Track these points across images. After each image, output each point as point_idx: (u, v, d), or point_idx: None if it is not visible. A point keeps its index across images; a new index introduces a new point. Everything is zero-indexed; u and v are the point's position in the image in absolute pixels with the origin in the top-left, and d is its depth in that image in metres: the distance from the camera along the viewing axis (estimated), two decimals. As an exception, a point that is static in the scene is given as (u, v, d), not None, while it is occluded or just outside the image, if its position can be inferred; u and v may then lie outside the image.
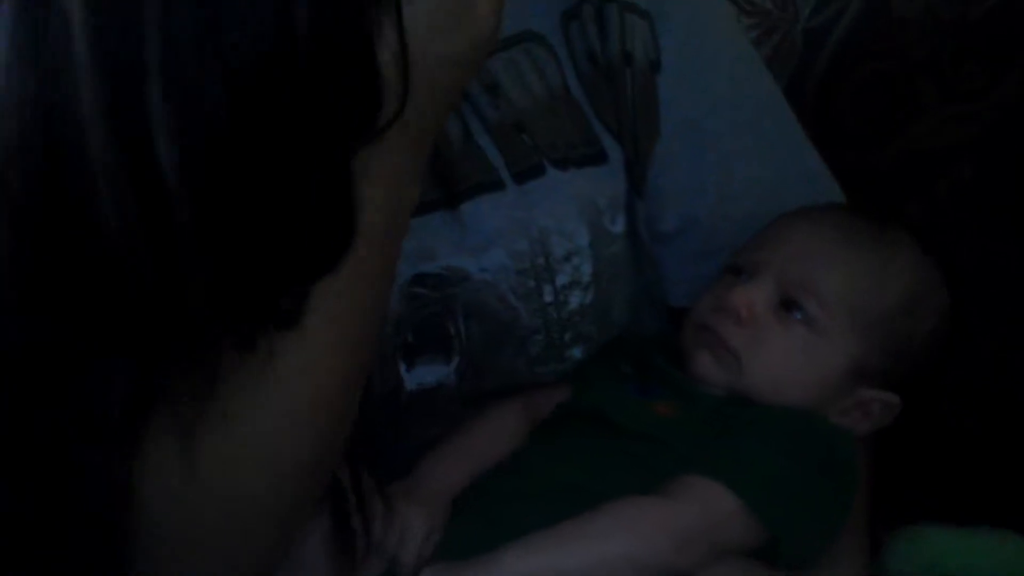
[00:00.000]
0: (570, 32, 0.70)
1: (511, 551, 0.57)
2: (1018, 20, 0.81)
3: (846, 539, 0.66)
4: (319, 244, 0.42)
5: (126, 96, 0.36)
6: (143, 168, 0.37)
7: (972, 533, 0.86)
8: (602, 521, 0.57)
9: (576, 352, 0.73)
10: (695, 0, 0.73)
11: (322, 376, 0.49)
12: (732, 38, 0.75)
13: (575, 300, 0.71)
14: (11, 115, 0.36)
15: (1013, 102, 0.83)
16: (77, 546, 0.47)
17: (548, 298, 0.70)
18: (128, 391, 0.43)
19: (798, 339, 0.65)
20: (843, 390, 0.66)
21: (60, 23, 0.36)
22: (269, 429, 0.48)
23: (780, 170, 0.77)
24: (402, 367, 0.66)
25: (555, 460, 0.64)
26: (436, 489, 0.65)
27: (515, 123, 0.69)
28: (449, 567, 0.58)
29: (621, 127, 0.71)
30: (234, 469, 0.48)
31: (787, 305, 0.66)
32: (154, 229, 0.37)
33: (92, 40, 0.36)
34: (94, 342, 0.41)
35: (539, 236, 0.68)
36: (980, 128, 0.84)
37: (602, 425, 0.65)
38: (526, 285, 0.68)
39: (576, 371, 0.72)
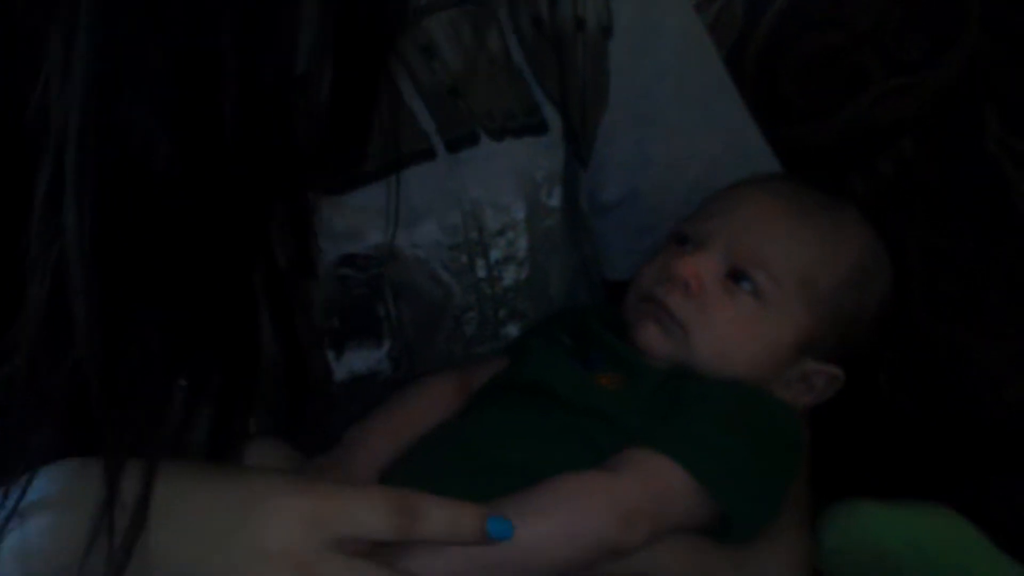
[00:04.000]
0: None
1: None
2: (963, -9, 0.80)
3: (786, 514, 0.64)
4: None
5: None
6: None
7: (907, 508, 0.86)
8: (542, 497, 0.54)
9: (511, 329, 0.70)
10: None
11: None
12: (680, 6, 0.72)
13: (510, 276, 0.68)
14: None
15: (957, 74, 0.81)
16: None
17: (481, 273, 0.67)
18: None
19: (746, 311, 0.63)
20: (789, 363, 0.65)
21: None
22: None
23: (723, 145, 0.75)
24: (330, 355, 0.63)
25: (493, 434, 0.61)
26: (362, 462, 0.61)
27: (450, 87, 0.65)
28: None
29: (565, 96, 0.68)
30: None
31: (735, 276, 0.64)
32: None
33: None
34: None
35: (472, 209, 0.65)
36: (923, 101, 0.83)
37: (543, 397, 0.62)
38: (459, 261, 0.65)
39: (513, 344, 0.69)
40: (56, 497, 0.49)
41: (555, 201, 0.70)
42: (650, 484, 0.56)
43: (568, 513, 0.54)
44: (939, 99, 0.82)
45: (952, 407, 0.88)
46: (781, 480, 0.62)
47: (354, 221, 0.62)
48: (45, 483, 0.49)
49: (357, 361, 0.64)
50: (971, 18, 0.80)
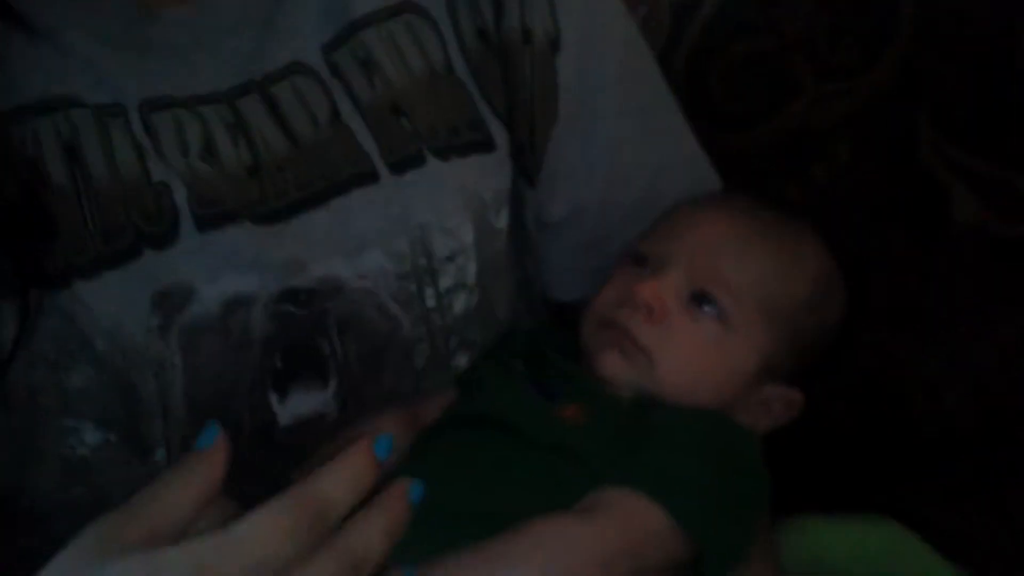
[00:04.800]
0: (456, 4, 0.62)
1: None
2: (893, -4, 0.79)
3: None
4: None
5: None
6: None
7: (852, 522, 0.85)
8: (515, 546, 0.50)
9: (461, 360, 0.66)
10: None
11: None
12: (621, 14, 0.69)
13: (460, 304, 0.64)
14: None
15: (888, 79, 0.81)
16: None
17: (431, 303, 0.62)
18: None
19: (710, 335, 0.60)
20: (750, 387, 0.62)
21: None
22: None
23: (664, 156, 0.73)
24: (273, 399, 0.57)
25: (453, 477, 0.57)
26: None
27: (392, 105, 0.60)
28: None
29: (512, 110, 0.64)
30: None
31: (698, 299, 0.61)
32: None
33: None
34: None
35: (420, 234, 0.61)
36: (856, 107, 0.82)
37: (502, 433, 0.58)
38: (407, 290, 0.61)
39: (463, 374, 0.65)
40: None
41: (503, 222, 0.66)
42: (627, 527, 0.52)
43: (544, 563, 0.51)
44: (872, 104, 0.81)
45: (890, 414, 0.88)
46: (753, 509, 0.60)
47: (294, 252, 0.57)
48: None
49: (302, 404, 0.58)
50: (903, 22, 0.79)
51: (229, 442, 0.43)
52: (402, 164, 0.60)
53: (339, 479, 0.42)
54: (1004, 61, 0.76)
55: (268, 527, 0.40)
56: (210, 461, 0.42)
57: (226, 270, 0.55)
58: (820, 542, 0.83)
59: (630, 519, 0.53)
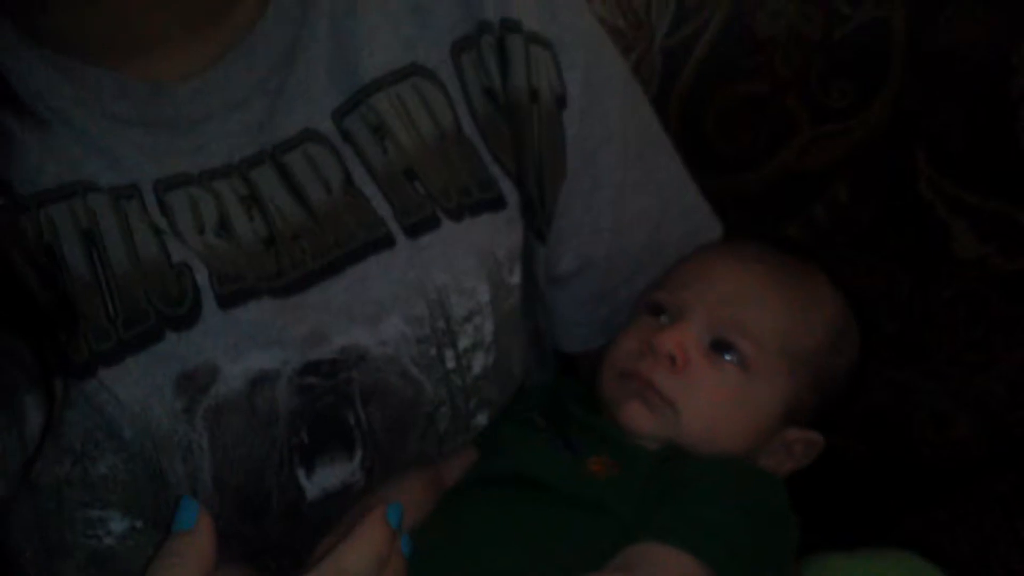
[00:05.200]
0: (462, 65, 0.62)
1: None
2: (883, 36, 0.80)
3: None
4: None
5: None
6: None
7: (873, 557, 0.85)
8: None
9: (481, 420, 0.65)
10: (592, 27, 0.67)
11: None
12: (619, 65, 0.69)
13: (478, 363, 0.63)
14: None
15: (884, 118, 0.82)
16: None
17: (451, 364, 0.62)
18: None
19: (733, 383, 0.60)
20: (773, 432, 0.62)
21: None
22: None
23: (665, 203, 0.73)
24: (301, 473, 0.57)
25: (485, 536, 0.56)
26: None
27: (404, 169, 0.60)
28: None
29: (521, 168, 0.64)
30: None
31: (719, 347, 0.61)
32: None
33: None
34: None
35: (438, 297, 0.60)
36: (852, 146, 0.83)
37: (531, 490, 0.58)
38: (428, 354, 0.60)
39: (483, 433, 0.65)
40: None
41: (516, 279, 0.66)
42: None
43: None
44: (869, 144, 0.82)
45: (901, 447, 0.89)
46: (785, 557, 0.59)
47: (315, 323, 0.57)
48: None
49: (329, 476, 0.58)
50: (895, 61, 0.80)
51: (211, 518, 0.45)
52: (417, 228, 0.60)
53: (361, 554, 0.45)
54: (997, 94, 0.77)
55: None
56: (197, 546, 0.44)
57: (249, 347, 0.55)
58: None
59: (666, 573, 0.53)
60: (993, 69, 0.77)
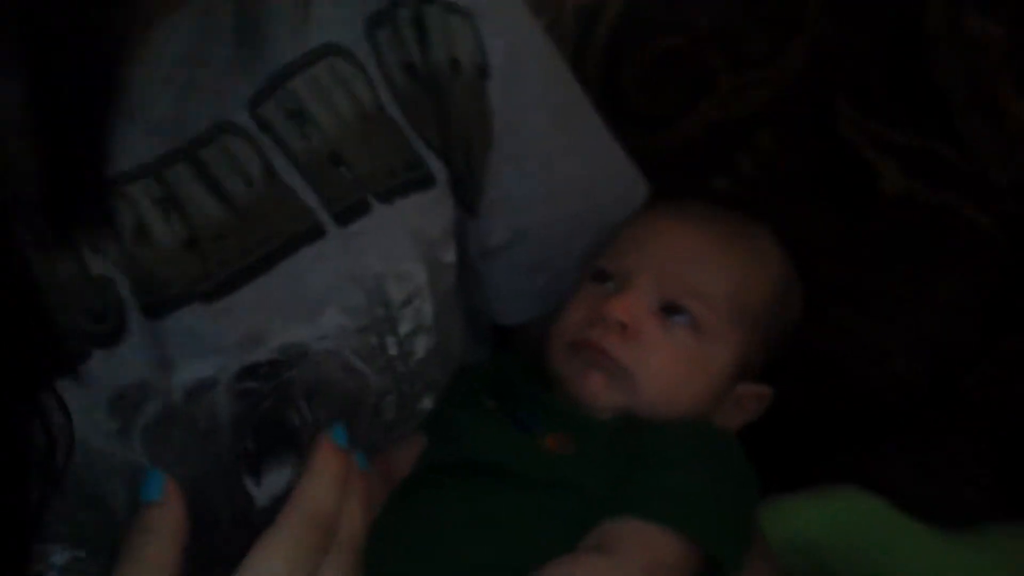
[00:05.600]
0: (379, 41, 0.60)
1: None
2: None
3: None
4: None
5: None
6: None
7: (824, 497, 0.86)
8: None
9: (426, 403, 0.64)
10: None
11: None
12: (537, 30, 0.68)
13: (421, 347, 0.62)
14: None
15: (802, 63, 0.82)
16: None
17: (393, 351, 0.60)
18: None
19: (685, 346, 0.60)
20: (726, 390, 0.62)
21: None
22: None
23: (594, 168, 0.72)
24: (249, 482, 0.55)
25: (448, 528, 0.55)
26: None
27: (329, 154, 0.58)
28: None
29: (447, 143, 0.62)
30: None
31: (668, 310, 0.60)
32: None
33: None
34: None
35: (375, 284, 0.58)
36: (773, 94, 0.83)
37: (489, 476, 0.56)
38: (369, 344, 0.58)
39: (431, 418, 0.63)
40: None
41: (451, 257, 0.64)
42: (646, 558, 0.51)
43: None
44: (789, 90, 0.82)
45: (843, 386, 0.89)
46: (751, 511, 0.59)
47: (249, 325, 0.54)
48: None
49: (278, 480, 0.56)
50: (811, 6, 0.80)
51: (178, 486, 0.44)
52: (347, 214, 0.58)
53: (320, 485, 0.45)
54: (913, 31, 0.77)
55: (278, 558, 0.42)
56: (169, 518, 0.42)
57: (182, 358, 0.52)
58: (797, 521, 0.84)
59: (649, 550, 0.52)
60: (908, 6, 0.77)
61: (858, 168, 0.81)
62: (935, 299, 0.83)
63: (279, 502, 0.56)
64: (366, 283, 0.58)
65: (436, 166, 0.62)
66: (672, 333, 0.60)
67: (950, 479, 0.89)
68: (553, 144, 0.69)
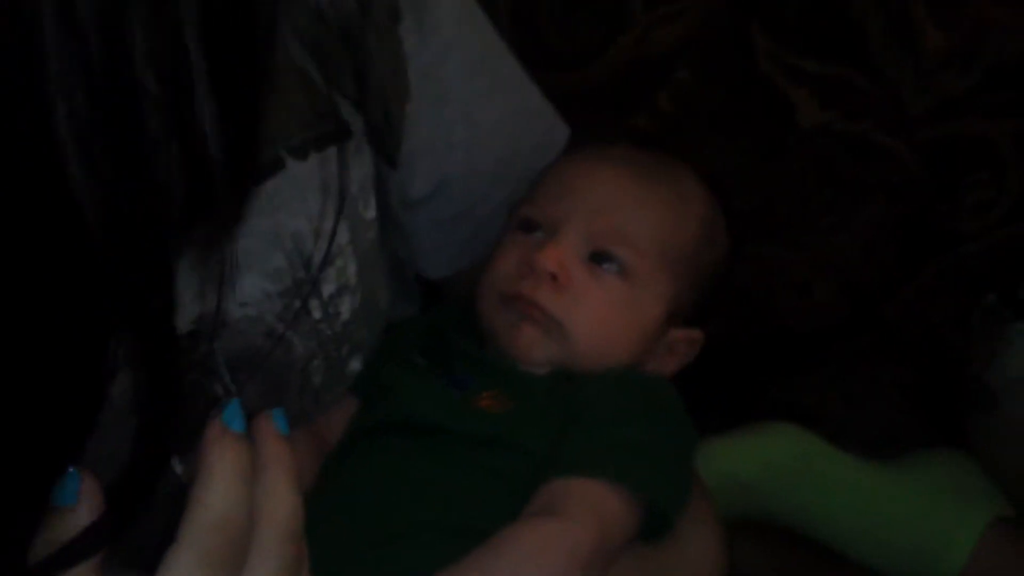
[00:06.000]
0: None
1: None
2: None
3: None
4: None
5: None
6: None
7: (753, 435, 0.88)
8: (499, 560, 0.48)
9: (355, 365, 0.62)
10: None
11: None
12: None
13: (346, 307, 0.60)
14: None
15: (717, -3, 0.81)
16: None
17: (317, 314, 0.58)
18: None
19: (616, 293, 0.59)
20: (658, 336, 0.61)
21: None
22: None
23: (513, 110, 0.70)
24: (175, 460, 0.52)
25: (388, 491, 0.54)
26: None
27: None
28: None
29: (363, 91, 0.60)
30: None
31: (597, 258, 0.59)
32: None
33: None
34: None
35: (294, 245, 0.56)
36: (690, 29, 0.81)
37: (426, 437, 0.55)
38: (292, 308, 0.56)
39: (361, 379, 0.61)
40: None
41: (372, 212, 0.62)
42: (597, 517, 0.51)
43: (534, 571, 0.49)
44: (705, 25, 0.81)
45: (764, 318, 0.90)
46: (687, 457, 0.59)
47: None
48: None
49: None
50: (722, -63, 0.79)
51: (97, 486, 0.40)
52: (260, 173, 0.55)
53: (221, 484, 0.40)
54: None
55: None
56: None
57: None
58: (730, 460, 0.85)
59: (598, 509, 0.51)
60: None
61: (775, 101, 0.81)
62: (853, 228, 0.84)
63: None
64: (285, 244, 0.55)
65: (351, 116, 0.60)
66: (602, 281, 0.59)
67: (877, 407, 0.91)
68: (470, 88, 0.67)
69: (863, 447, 0.87)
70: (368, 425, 0.58)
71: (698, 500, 0.61)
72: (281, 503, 0.40)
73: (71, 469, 0.39)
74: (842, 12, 0.77)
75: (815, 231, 0.85)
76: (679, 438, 0.58)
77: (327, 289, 0.58)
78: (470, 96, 0.67)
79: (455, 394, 0.57)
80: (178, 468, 0.53)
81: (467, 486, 0.53)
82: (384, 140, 0.62)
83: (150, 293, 0.39)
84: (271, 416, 0.42)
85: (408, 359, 0.61)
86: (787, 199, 0.84)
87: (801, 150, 0.82)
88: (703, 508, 0.62)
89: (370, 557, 0.51)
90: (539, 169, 0.67)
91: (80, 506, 0.39)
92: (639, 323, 0.60)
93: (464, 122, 0.67)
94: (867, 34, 0.78)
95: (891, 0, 0.76)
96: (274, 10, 0.40)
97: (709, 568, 0.58)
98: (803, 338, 0.91)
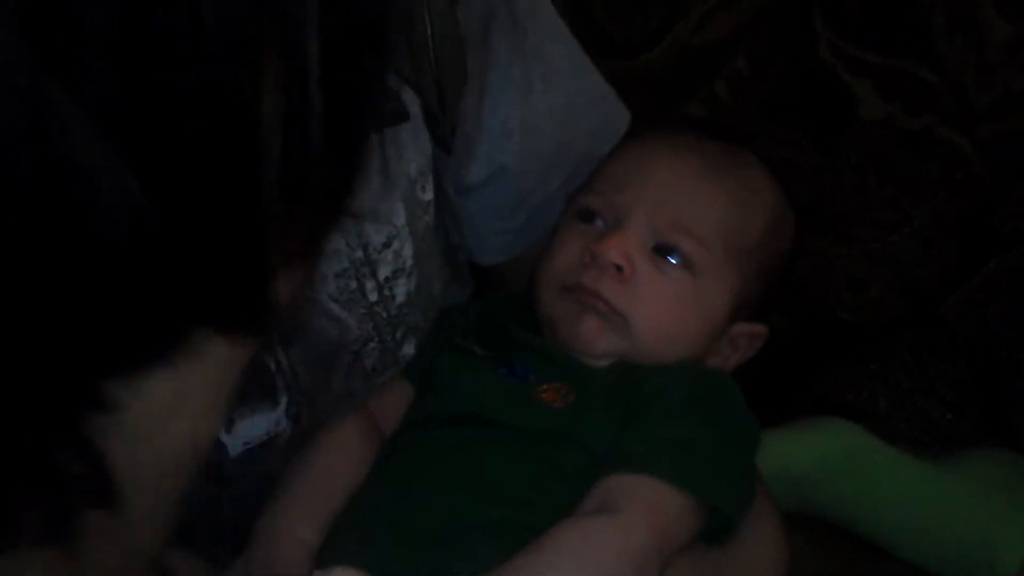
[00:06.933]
0: None
1: None
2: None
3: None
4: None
5: None
6: None
7: (811, 429, 0.86)
8: (551, 557, 0.47)
9: (408, 349, 0.62)
10: None
11: None
12: None
13: (401, 291, 0.59)
14: None
15: (778, -15, 0.79)
16: None
17: (373, 296, 0.57)
18: None
19: (681, 286, 0.57)
20: (722, 330, 0.60)
21: None
22: None
23: (571, 94, 0.69)
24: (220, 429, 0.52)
25: (446, 486, 0.52)
26: (289, 557, 0.51)
27: None
28: None
29: (419, 74, 0.59)
30: None
31: (662, 250, 0.57)
32: None
33: None
34: None
35: (352, 226, 0.56)
36: (747, 17, 0.80)
37: (485, 429, 0.54)
38: (348, 288, 0.56)
39: (415, 365, 0.60)
40: None
41: (429, 195, 0.61)
42: (653, 517, 0.49)
43: (583, 569, 0.48)
44: (764, 13, 0.80)
45: (817, 311, 0.89)
46: (751, 457, 0.57)
47: None
48: None
49: (252, 428, 0.53)
50: (786, -76, 0.78)
51: None
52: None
53: None
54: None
55: None
56: None
57: None
58: (782, 454, 0.84)
59: (655, 508, 0.50)
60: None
61: (836, 93, 0.79)
62: (911, 225, 0.83)
63: (252, 451, 0.54)
64: (343, 225, 0.55)
65: (410, 99, 0.59)
66: (667, 274, 0.57)
67: (926, 404, 0.90)
68: (529, 72, 0.66)
69: (911, 444, 0.86)
70: (425, 415, 0.57)
71: (759, 497, 0.60)
72: None
73: None
74: (905, 2, 0.76)
75: (872, 226, 0.83)
76: (743, 437, 0.56)
77: (383, 271, 0.58)
78: (526, 80, 0.66)
79: (514, 387, 0.56)
80: (224, 437, 0.53)
81: (525, 480, 0.52)
82: (440, 124, 0.62)
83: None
84: None
85: (464, 347, 0.60)
86: (844, 193, 0.83)
87: (860, 143, 0.81)
88: (765, 505, 0.61)
89: (423, 554, 0.50)
90: (597, 155, 0.66)
91: None
92: (704, 317, 0.58)
93: (520, 107, 0.66)
94: (931, 25, 0.76)
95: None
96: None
97: (770, 566, 0.57)
98: (856, 334, 0.89)
